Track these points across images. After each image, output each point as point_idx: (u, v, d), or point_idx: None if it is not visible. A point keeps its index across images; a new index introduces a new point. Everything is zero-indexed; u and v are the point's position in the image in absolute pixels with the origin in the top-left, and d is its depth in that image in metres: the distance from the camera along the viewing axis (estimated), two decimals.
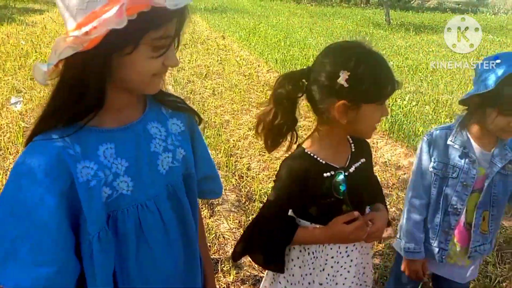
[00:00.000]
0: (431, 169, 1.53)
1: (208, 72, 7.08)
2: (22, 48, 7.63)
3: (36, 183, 0.79)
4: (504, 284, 2.37)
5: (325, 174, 1.16)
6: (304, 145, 1.21)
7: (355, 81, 1.05)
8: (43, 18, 11.93)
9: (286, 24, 14.15)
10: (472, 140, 1.49)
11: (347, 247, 1.24)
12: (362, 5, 26.13)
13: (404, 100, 5.37)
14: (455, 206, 1.52)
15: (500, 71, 1.32)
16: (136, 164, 0.92)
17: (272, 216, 1.21)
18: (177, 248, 1.01)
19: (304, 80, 1.15)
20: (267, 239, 1.22)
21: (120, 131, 0.91)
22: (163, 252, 0.97)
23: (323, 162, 1.17)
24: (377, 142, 4.29)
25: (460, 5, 29.64)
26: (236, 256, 1.27)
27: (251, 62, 8.00)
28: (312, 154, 1.18)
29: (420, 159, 1.57)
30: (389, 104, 4.99)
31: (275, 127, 1.15)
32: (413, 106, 5.26)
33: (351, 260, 1.25)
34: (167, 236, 0.98)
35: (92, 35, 0.73)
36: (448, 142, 1.50)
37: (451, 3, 30.41)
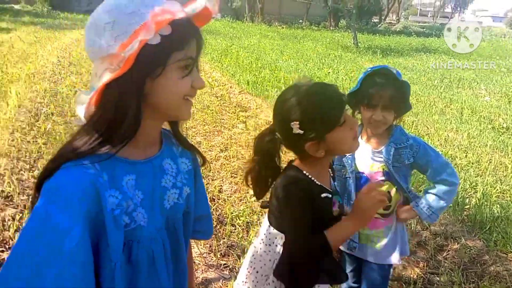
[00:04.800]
0: None
1: None
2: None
3: (68, 210, 0.80)
4: None
5: (323, 195, 1.26)
6: (298, 166, 1.29)
7: (306, 124, 1.18)
8: (10, 37, 11.67)
9: (258, 46, 14.37)
10: (364, 142, 1.72)
11: None
12: (331, 28, 26.87)
13: None
14: None
15: (363, 75, 1.62)
16: (151, 197, 0.96)
17: (304, 237, 1.21)
18: (170, 280, 1.04)
19: (277, 134, 1.28)
20: (311, 260, 1.23)
21: (142, 164, 0.95)
22: (166, 282, 1.01)
23: (318, 183, 1.26)
24: None
25: (424, 29, 30.88)
26: None
27: (223, 83, 8.05)
28: (309, 176, 1.26)
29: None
30: None
31: (261, 178, 1.31)
32: None
33: None
34: (167, 268, 1.01)
35: (127, 52, 0.79)
36: None
37: (416, 27, 31.64)
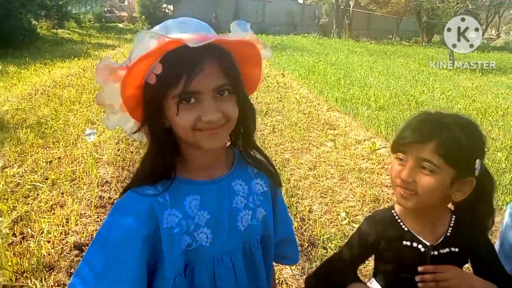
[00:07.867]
0: None
1: (268, 109, 7.18)
2: (96, 82, 8.15)
3: (126, 227, 0.89)
4: None
5: (404, 242, 1.12)
6: (396, 205, 1.17)
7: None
8: (115, 53, 12.78)
9: (345, 62, 14.16)
10: None
11: None
12: (423, 43, 25.68)
13: None
14: None
15: None
16: (217, 217, 0.98)
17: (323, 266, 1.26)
18: None
19: None
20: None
21: (206, 184, 0.98)
22: None
23: (406, 229, 1.13)
24: None
25: None
26: None
27: (310, 100, 8.03)
28: (397, 218, 1.15)
29: (503, 237, 1.31)
30: None
31: None
32: None
33: None
34: None
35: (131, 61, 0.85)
36: None
37: None
